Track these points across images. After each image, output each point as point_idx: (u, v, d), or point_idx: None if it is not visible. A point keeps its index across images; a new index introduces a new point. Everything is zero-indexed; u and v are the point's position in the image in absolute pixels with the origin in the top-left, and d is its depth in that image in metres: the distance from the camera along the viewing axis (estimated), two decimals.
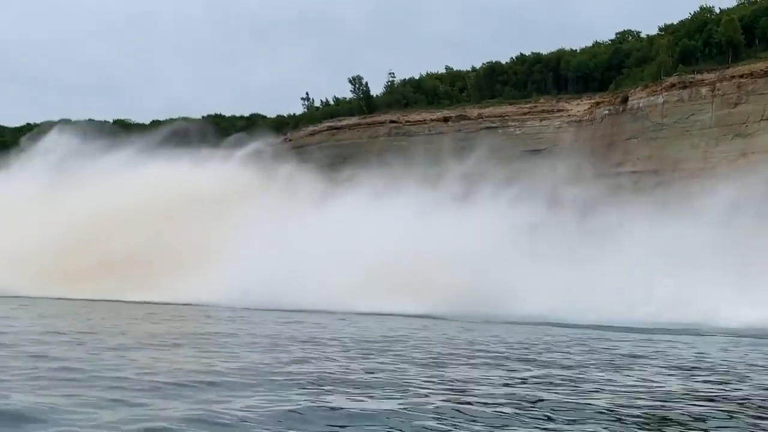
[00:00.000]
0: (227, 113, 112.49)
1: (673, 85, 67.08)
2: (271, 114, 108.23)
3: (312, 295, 41.93)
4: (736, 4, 76.47)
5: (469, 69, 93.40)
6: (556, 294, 43.06)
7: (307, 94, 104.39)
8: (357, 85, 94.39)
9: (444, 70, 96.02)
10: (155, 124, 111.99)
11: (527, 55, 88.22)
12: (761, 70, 61.56)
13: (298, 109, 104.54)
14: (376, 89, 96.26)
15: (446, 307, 40.72)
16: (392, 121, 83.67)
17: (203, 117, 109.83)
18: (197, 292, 44.08)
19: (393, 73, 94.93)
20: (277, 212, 53.27)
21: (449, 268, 45.13)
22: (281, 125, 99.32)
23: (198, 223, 53.14)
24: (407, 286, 43.43)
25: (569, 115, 75.44)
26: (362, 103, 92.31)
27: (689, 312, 41.64)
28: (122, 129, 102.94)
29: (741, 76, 62.86)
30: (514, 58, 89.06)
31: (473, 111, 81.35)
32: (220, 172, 62.03)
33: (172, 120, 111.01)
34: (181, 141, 67.02)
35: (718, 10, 75.90)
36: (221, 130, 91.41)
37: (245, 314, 33.27)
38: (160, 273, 48.54)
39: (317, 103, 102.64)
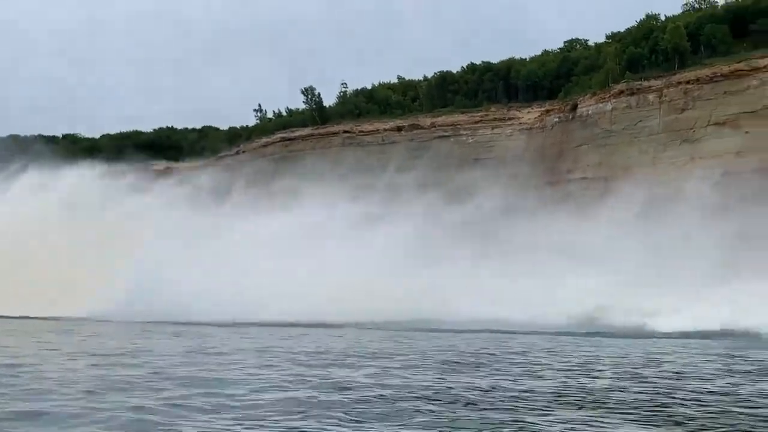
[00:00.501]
0: (179, 126, 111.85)
1: (621, 92, 68.07)
2: (223, 126, 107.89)
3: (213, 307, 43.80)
4: (681, 11, 77.91)
5: (420, 78, 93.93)
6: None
7: (259, 105, 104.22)
8: (310, 96, 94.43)
9: (396, 80, 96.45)
10: (105, 138, 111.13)
11: (478, 64, 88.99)
12: (707, 76, 62.69)
13: (251, 120, 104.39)
14: (329, 100, 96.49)
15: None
16: (346, 131, 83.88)
17: (154, 130, 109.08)
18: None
19: (345, 84, 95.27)
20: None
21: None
22: (234, 137, 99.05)
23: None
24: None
25: (520, 123, 76.24)
26: (315, 114, 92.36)
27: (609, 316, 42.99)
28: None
29: (687, 83, 63.95)
30: (465, 67, 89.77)
31: (426, 120, 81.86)
32: None
33: (122, 134, 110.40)
34: None
35: (663, 18, 77.26)
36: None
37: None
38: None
39: (270, 115, 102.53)
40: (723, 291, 43.99)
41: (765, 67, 59.08)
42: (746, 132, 59.40)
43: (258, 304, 45.14)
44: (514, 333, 35.97)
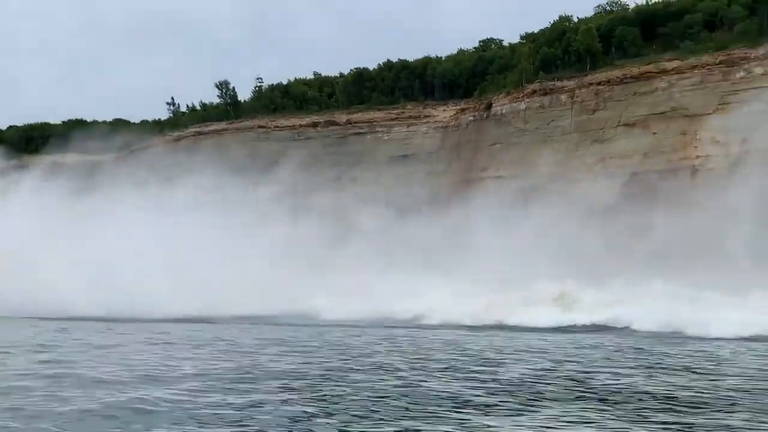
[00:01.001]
0: (89, 118, 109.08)
1: (534, 92, 68.92)
2: (135, 119, 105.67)
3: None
4: (593, 13, 79.23)
5: (337, 75, 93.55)
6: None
7: (172, 99, 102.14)
8: (224, 90, 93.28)
9: (312, 76, 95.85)
10: (12, 130, 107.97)
11: (394, 61, 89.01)
12: (617, 77, 63.89)
13: (164, 114, 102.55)
14: (244, 95, 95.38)
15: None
16: (260, 126, 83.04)
17: (63, 122, 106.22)
18: None
19: (261, 79, 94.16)
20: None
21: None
22: (146, 130, 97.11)
23: None
24: None
25: (436, 121, 76.58)
26: (230, 108, 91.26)
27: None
28: None
29: (598, 84, 65.08)
30: (381, 64, 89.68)
31: (342, 116, 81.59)
32: None
33: (30, 125, 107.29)
34: None
35: (576, 20, 78.48)
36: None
37: None
38: None
39: (183, 108, 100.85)
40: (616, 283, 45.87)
41: (673, 69, 60.46)
42: (654, 133, 60.74)
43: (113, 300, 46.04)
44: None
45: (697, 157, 57.92)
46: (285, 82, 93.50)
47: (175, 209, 59.25)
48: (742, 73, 56.91)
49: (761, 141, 54.53)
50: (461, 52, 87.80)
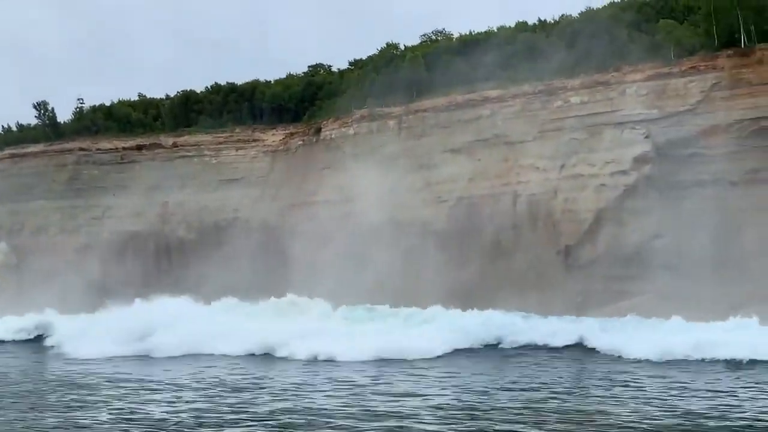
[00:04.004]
0: None
1: (362, 118, 69.60)
2: None
3: None
4: (419, 42, 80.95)
5: (163, 97, 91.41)
6: None
7: None
8: (42, 111, 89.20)
9: (137, 98, 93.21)
10: None
11: (222, 84, 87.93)
12: (443, 104, 65.37)
13: None
14: (64, 116, 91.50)
15: None
16: (81, 149, 79.81)
17: None
18: None
19: (82, 99, 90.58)
20: None
21: None
22: None
23: None
24: None
25: (264, 145, 75.99)
26: (48, 130, 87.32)
27: None
28: None
29: (425, 110, 66.38)
30: (209, 87, 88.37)
31: (168, 140, 79.69)
32: None
33: None
34: None
35: (403, 47, 79.99)
36: None
37: None
38: None
39: None
40: None
41: (496, 97, 62.46)
42: (478, 159, 62.42)
43: None
44: None
45: (519, 182, 59.86)
46: (108, 104, 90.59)
47: None
48: (559, 103, 59.38)
49: (578, 167, 57.09)
50: (290, 76, 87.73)
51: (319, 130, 72.67)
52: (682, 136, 53.88)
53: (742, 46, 55.33)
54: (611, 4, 69.93)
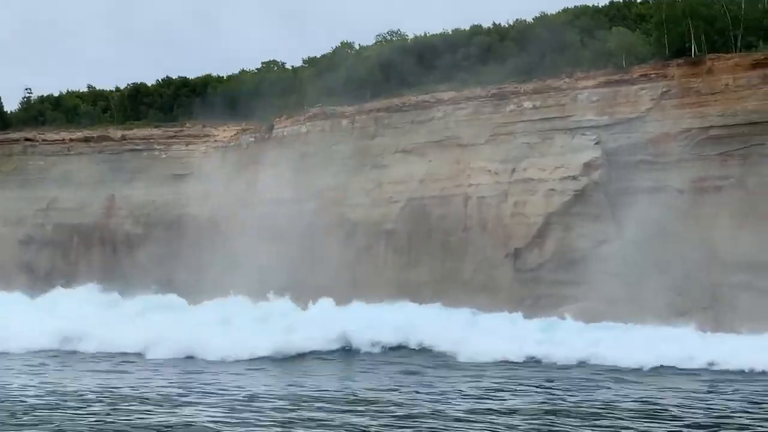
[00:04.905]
0: None
1: (315, 116, 69.28)
2: None
3: None
4: (374, 42, 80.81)
5: (113, 89, 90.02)
6: None
7: None
8: None
9: (86, 89, 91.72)
10: None
11: (174, 78, 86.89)
12: (396, 105, 65.39)
13: None
14: (11, 106, 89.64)
15: None
16: (27, 139, 78.27)
17: None
18: None
19: (30, 89, 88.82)
20: None
21: None
22: None
23: None
24: None
25: (215, 141, 75.22)
26: None
27: None
28: None
29: (378, 111, 66.30)
30: (160, 80, 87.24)
31: (117, 132, 78.44)
32: None
33: None
34: None
35: (357, 47, 79.78)
36: None
37: None
38: None
39: None
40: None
41: (449, 99, 62.60)
42: (430, 161, 62.53)
43: None
44: None
45: (470, 185, 60.08)
46: (56, 94, 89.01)
47: None
48: (512, 107, 59.72)
49: (529, 172, 57.48)
50: (243, 72, 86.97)
51: (271, 127, 72.17)
52: (632, 142, 54.55)
53: (693, 55, 56.15)
54: (565, 10, 70.53)
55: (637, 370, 40.47)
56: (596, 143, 55.45)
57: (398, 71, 69.12)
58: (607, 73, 57.12)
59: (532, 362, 44.78)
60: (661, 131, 53.76)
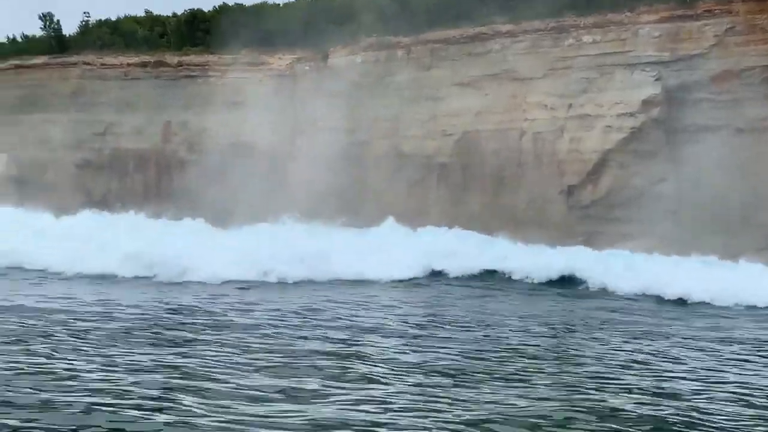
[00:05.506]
0: None
1: (370, 46, 68.83)
2: None
3: None
4: None
5: (170, 14, 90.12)
6: None
7: None
8: (48, 23, 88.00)
9: (144, 14, 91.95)
10: None
11: (230, 5, 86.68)
12: (453, 36, 64.64)
13: None
14: (70, 29, 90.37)
15: None
16: (86, 63, 79.06)
17: None
18: None
19: (88, 13, 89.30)
20: None
21: None
22: None
23: None
24: None
25: (270, 69, 75.19)
26: (53, 42, 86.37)
27: None
28: None
29: (434, 42, 65.63)
30: (216, 7, 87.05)
31: (173, 58, 78.81)
32: None
33: None
34: None
35: None
36: None
37: None
38: None
39: (2, 40, 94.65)
40: None
41: (507, 32, 61.74)
42: (486, 94, 61.99)
43: None
44: None
45: (525, 119, 59.59)
46: (114, 18, 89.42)
47: None
48: (571, 41, 58.76)
49: (586, 107, 56.79)
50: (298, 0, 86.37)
51: (326, 57, 71.91)
52: (693, 80, 53.55)
53: None
54: None
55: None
56: (656, 80, 54.44)
57: (456, 2, 68.12)
58: (670, 8, 55.74)
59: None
60: (723, 69, 52.63)
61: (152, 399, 14.84)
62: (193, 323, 26.88)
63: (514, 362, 21.54)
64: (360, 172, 64.53)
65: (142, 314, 29.07)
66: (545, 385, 18.25)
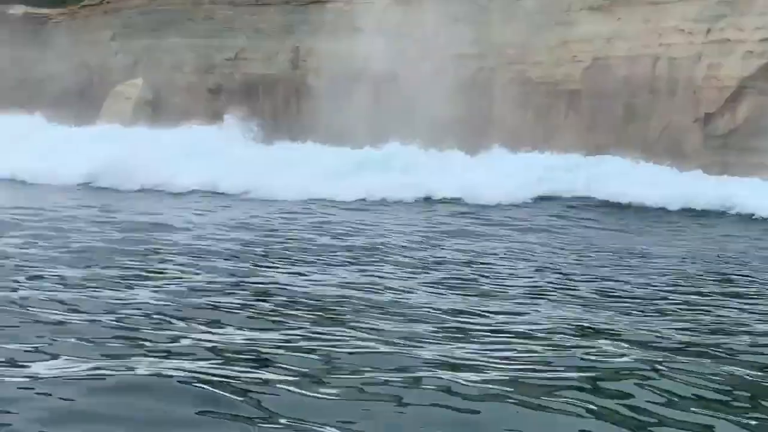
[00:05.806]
0: None
1: None
2: None
3: None
4: None
5: None
6: None
7: None
8: None
9: None
10: None
11: None
12: None
13: None
14: None
15: None
16: None
17: None
18: None
19: None
20: None
21: None
22: None
23: None
24: None
25: None
26: None
27: None
28: None
29: None
30: None
31: None
32: None
33: None
34: None
35: None
36: None
37: None
38: None
39: None
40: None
41: None
42: (618, 18, 60.18)
43: None
44: None
45: (660, 45, 57.68)
46: None
47: None
48: None
49: (725, 32, 54.53)
50: None
51: None
52: None
53: None
54: None
55: None
56: None
57: None
58: None
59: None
60: None
61: None
62: None
63: None
64: (486, 99, 63.89)
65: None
66: None
